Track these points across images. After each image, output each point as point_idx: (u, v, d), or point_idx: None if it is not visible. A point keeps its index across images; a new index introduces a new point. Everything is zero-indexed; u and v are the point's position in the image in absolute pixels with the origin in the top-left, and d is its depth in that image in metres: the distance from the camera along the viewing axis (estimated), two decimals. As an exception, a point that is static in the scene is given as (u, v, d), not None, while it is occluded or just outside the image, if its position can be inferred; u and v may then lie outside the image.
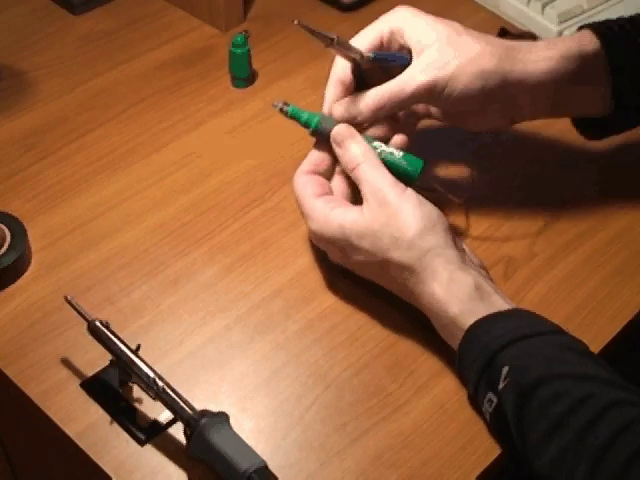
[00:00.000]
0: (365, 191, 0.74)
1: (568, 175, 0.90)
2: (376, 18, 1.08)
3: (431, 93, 0.77)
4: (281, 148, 0.91)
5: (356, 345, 0.75)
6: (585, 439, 0.61)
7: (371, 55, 0.77)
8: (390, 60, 0.79)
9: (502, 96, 0.78)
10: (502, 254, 0.83)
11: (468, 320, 0.69)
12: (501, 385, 0.66)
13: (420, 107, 0.83)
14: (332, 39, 0.75)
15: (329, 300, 0.78)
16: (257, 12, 1.09)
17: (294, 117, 0.79)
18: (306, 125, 0.78)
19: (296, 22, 0.74)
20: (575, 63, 0.78)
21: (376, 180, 0.74)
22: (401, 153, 0.78)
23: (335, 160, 0.78)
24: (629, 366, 0.72)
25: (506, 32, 1.06)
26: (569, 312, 0.78)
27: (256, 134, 0.94)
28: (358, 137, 0.77)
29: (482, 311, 0.69)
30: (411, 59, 0.78)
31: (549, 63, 0.78)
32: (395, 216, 0.72)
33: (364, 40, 0.80)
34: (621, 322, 0.78)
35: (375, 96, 0.77)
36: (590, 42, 0.79)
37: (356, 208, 0.75)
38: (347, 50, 0.77)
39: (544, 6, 1.06)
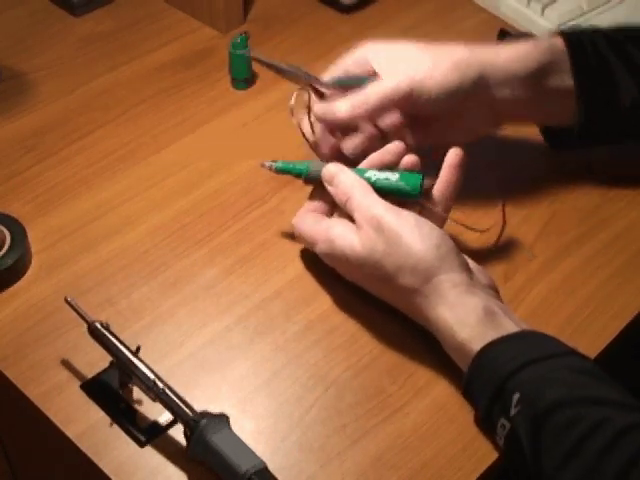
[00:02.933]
0: (359, 219, 0.73)
1: (568, 176, 0.90)
2: (376, 19, 1.10)
3: (411, 92, 0.78)
4: (282, 149, 0.91)
5: (356, 347, 0.75)
6: (602, 466, 0.61)
7: (329, 80, 0.81)
8: (353, 82, 0.81)
9: (481, 90, 0.79)
10: (502, 256, 0.83)
11: (477, 345, 0.68)
12: (513, 411, 0.65)
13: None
14: (282, 69, 0.81)
15: (329, 301, 0.78)
16: (257, 14, 1.09)
17: (284, 171, 0.80)
18: (298, 175, 0.79)
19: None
20: (545, 55, 0.81)
21: (368, 207, 0.73)
22: (397, 175, 0.77)
23: (332, 205, 0.78)
24: (633, 374, 0.71)
25: (506, 33, 1.06)
26: (569, 314, 0.78)
27: (256, 135, 0.94)
28: (347, 171, 0.77)
29: (491, 335, 0.68)
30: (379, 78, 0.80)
31: (519, 50, 0.81)
32: (395, 243, 0.71)
33: (330, 75, 0.82)
34: (621, 324, 0.78)
35: (355, 96, 0.78)
36: (558, 41, 0.82)
37: (354, 230, 0.73)
38: (303, 78, 0.81)
39: (544, 7, 1.07)
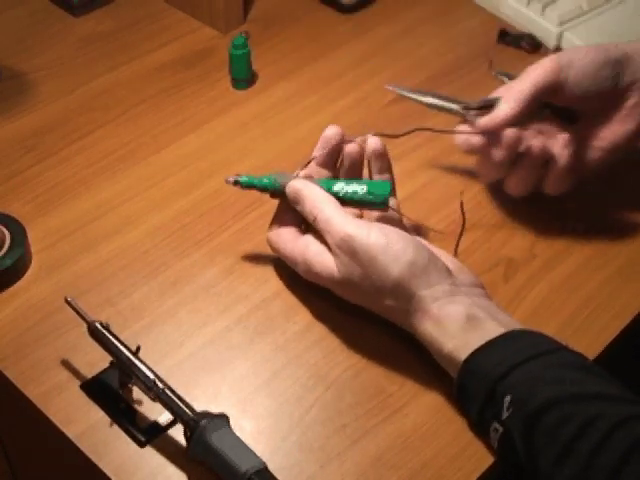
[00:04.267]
0: (330, 243, 0.72)
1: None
2: (376, 19, 1.09)
3: (558, 73, 0.79)
4: (282, 149, 0.91)
5: (356, 346, 0.75)
6: (595, 463, 0.61)
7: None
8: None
9: (629, 71, 0.80)
10: (502, 256, 0.83)
11: (463, 354, 0.68)
12: (505, 415, 0.65)
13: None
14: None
15: (329, 301, 0.78)
16: (257, 13, 1.09)
17: (250, 186, 0.78)
18: (264, 189, 0.77)
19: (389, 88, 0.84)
20: None
21: (337, 230, 0.71)
22: (365, 187, 0.76)
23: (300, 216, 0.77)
24: (633, 374, 0.71)
25: (506, 33, 1.07)
26: (569, 314, 0.78)
27: (256, 135, 0.94)
28: (311, 186, 0.75)
29: (476, 342, 0.68)
30: None
31: None
32: (370, 266, 0.70)
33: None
34: (621, 324, 0.78)
35: (509, 96, 0.79)
36: None
37: (331, 257, 0.73)
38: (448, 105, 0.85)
39: (544, 7, 1.06)
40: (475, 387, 0.67)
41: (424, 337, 0.71)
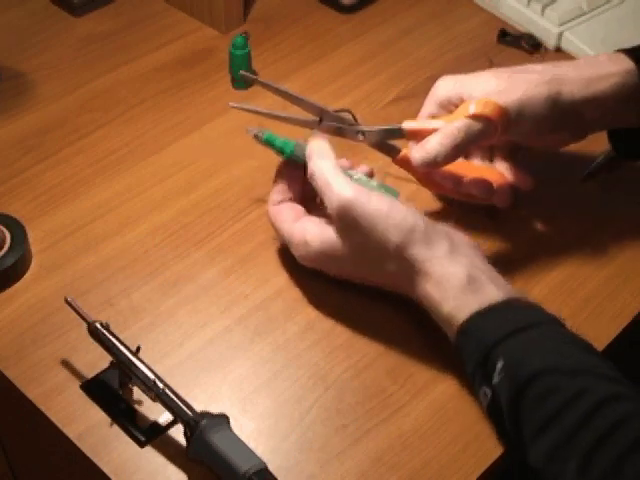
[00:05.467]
0: (329, 208, 0.72)
1: (567, 177, 0.90)
2: (376, 19, 1.09)
3: (506, 119, 0.76)
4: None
5: (356, 346, 0.75)
6: (578, 435, 0.61)
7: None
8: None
9: (572, 115, 0.79)
10: (502, 256, 0.83)
11: (462, 315, 0.69)
12: (496, 379, 0.66)
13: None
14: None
15: (329, 301, 0.78)
16: (257, 14, 1.09)
17: (268, 143, 0.78)
18: (280, 152, 0.77)
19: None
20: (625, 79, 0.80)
21: (339, 196, 0.72)
22: (375, 183, 0.77)
23: (302, 186, 0.78)
24: (629, 363, 0.71)
25: (506, 33, 1.07)
26: (570, 313, 0.78)
27: (256, 135, 0.94)
28: (328, 154, 0.75)
29: (475, 305, 0.69)
30: None
31: (611, 79, 0.79)
32: (370, 232, 0.71)
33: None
34: (622, 323, 0.78)
35: (451, 132, 0.76)
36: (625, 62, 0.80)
37: (329, 226, 0.73)
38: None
39: (544, 8, 1.07)
40: (471, 350, 0.68)
41: (424, 299, 0.71)
